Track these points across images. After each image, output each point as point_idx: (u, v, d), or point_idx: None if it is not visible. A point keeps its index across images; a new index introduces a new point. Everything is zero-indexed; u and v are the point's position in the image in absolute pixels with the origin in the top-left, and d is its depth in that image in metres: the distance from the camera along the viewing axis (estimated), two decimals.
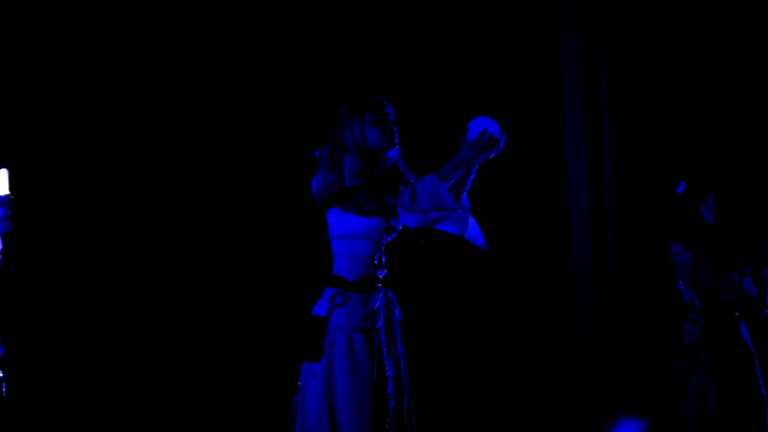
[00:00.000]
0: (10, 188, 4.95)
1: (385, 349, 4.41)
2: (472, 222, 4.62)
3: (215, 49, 7.25)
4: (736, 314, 5.77)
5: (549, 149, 7.99)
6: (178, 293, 6.83)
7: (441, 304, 7.24)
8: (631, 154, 7.94)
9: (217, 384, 6.89)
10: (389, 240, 4.54)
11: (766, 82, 7.71)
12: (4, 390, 4.68)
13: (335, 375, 4.32)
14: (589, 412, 7.69)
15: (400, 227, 4.55)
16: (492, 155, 4.37)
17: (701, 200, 5.88)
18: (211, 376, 6.91)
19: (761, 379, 5.86)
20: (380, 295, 4.36)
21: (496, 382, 7.40)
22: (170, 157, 7.10)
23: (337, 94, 5.78)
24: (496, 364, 7.48)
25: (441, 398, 7.12)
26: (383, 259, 4.46)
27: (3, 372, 4.67)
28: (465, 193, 4.52)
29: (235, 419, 6.75)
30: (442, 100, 7.72)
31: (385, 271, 4.47)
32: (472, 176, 4.50)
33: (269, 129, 7.22)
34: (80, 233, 6.72)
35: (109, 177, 6.96)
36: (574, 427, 7.57)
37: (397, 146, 4.50)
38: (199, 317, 6.89)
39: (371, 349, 4.37)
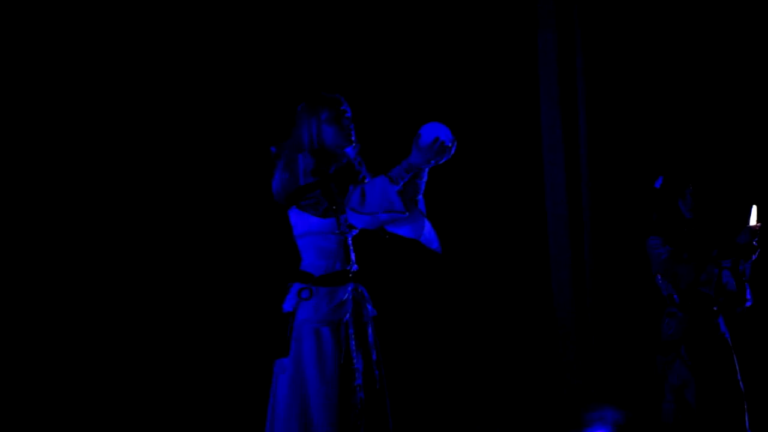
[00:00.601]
0: None
1: (353, 342, 4.41)
2: (427, 225, 4.65)
3: (188, 52, 7.24)
4: (714, 308, 5.75)
5: (526, 146, 8.00)
6: (154, 293, 6.80)
7: (417, 302, 7.29)
8: (608, 149, 7.94)
9: (194, 381, 6.87)
10: (354, 234, 4.56)
11: (742, 76, 7.72)
12: None
13: (304, 368, 4.33)
14: (566, 406, 7.60)
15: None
16: (442, 161, 4.39)
17: (679, 195, 5.85)
18: (187, 374, 6.88)
19: (739, 374, 5.80)
20: (349, 288, 4.37)
21: (473, 375, 7.40)
22: (147, 157, 7.04)
23: (301, 92, 5.82)
24: (474, 360, 7.46)
25: (418, 394, 7.17)
26: (352, 254, 4.46)
27: None
28: (421, 196, 4.58)
29: (212, 416, 6.75)
30: (417, 97, 7.68)
31: (357, 266, 4.45)
32: (425, 179, 4.53)
33: (239, 125, 7.22)
34: (66, 228, 6.65)
35: (84, 177, 6.89)
36: (552, 422, 7.49)
37: (355, 144, 4.51)
38: (174, 316, 6.86)
39: (338, 342, 4.37)
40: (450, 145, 4.36)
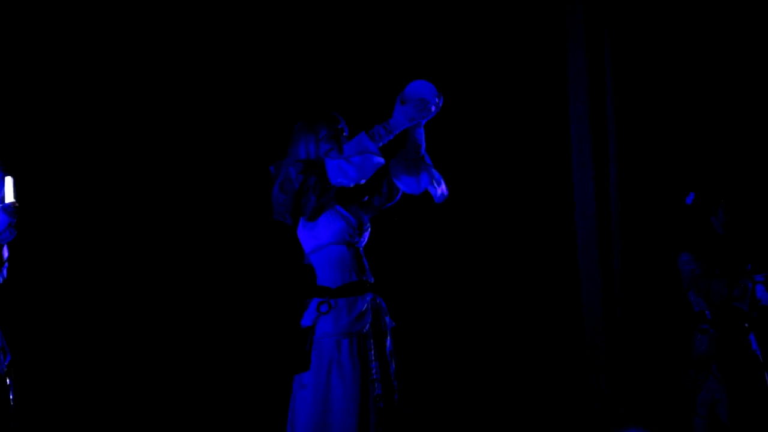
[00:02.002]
0: (15, 196, 5.01)
1: (372, 353, 4.40)
2: (435, 174, 4.65)
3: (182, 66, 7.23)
4: (746, 325, 5.74)
5: (555, 158, 8.00)
6: (173, 306, 6.81)
7: (439, 316, 7.28)
8: (638, 163, 7.94)
9: (211, 398, 6.89)
10: (364, 241, 4.56)
11: None
12: (11, 397, 4.68)
13: (326, 382, 4.34)
14: (596, 423, 7.59)
15: (369, 225, 4.59)
16: (425, 120, 4.44)
17: (711, 212, 5.89)
18: (206, 390, 6.89)
19: None
20: (368, 299, 4.36)
21: (501, 391, 7.41)
22: (164, 165, 7.06)
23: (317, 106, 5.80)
24: (502, 372, 7.46)
25: (442, 403, 7.18)
26: (366, 264, 4.45)
27: (10, 380, 4.67)
28: (424, 152, 4.57)
29: None
30: (445, 112, 7.64)
31: (372, 278, 4.45)
32: (422, 137, 4.53)
33: (254, 136, 7.17)
34: (81, 239, 6.66)
35: (105, 184, 6.91)
36: None
37: None
38: (196, 334, 6.82)
39: (360, 354, 4.36)
40: (434, 101, 4.41)
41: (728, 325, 5.83)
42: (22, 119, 6.80)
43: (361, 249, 4.47)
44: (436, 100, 4.46)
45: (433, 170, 4.69)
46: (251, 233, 6.83)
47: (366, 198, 4.79)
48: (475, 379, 7.29)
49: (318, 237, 4.38)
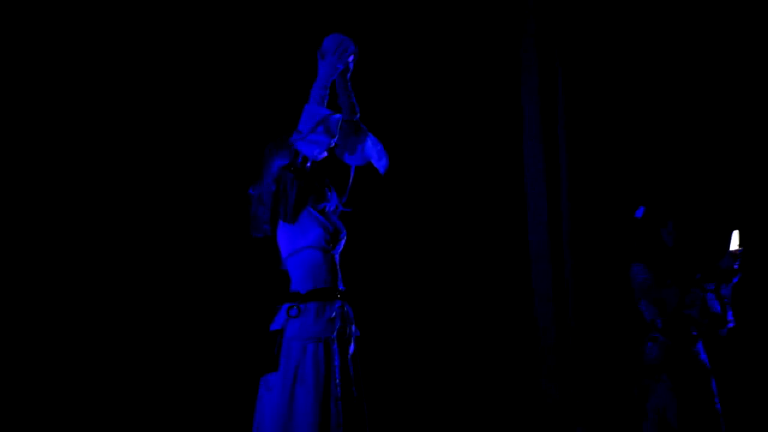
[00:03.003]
0: None
1: (337, 357, 4.47)
2: (372, 138, 4.92)
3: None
4: (694, 333, 5.88)
5: (510, 175, 8.06)
6: (144, 310, 6.82)
7: (403, 324, 7.34)
8: (588, 178, 8.00)
9: (180, 398, 6.86)
10: (340, 249, 4.65)
11: (720, 110, 7.91)
12: None
13: (292, 384, 4.40)
14: (546, 426, 7.66)
15: (345, 233, 4.68)
16: (350, 62, 4.79)
17: (661, 224, 6.02)
18: (175, 390, 6.87)
19: (717, 396, 5.97)
20: (336, 306, 4.44)
21: (456, 397, 7.48)
22: (135, 167, 6.99)
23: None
24: (456, 380, 7.54)
25: (402, 407, 7.23)
26: (339, 273, 4.53)
27: None
28: (358, 113, 4.87)
29: None
30: (402, 132, 7.68)
31: (343, 286, 4.53)
32: (353, 95, 4.88)
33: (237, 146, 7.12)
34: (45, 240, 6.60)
35: (70, 185, 6.88)
36: None
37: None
38: (167, 336, 6.86)
39: (325, 359, 4.43)
40: (351, 49, 4.79)
41: (678, 333, 5.92)
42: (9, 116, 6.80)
43: (336, 257, 4.55)
44: (353, 47, 4.79)
45: (372, 136, 4.93)
46: (225, 238, 6.84)
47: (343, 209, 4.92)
48: (431, 386, 7.36)
49: (295, 241, 4.45)
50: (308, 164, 4.66)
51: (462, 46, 8.05)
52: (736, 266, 5.95)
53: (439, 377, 7.30)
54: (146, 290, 6.82)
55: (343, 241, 4.58)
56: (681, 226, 6.09)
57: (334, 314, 4.43)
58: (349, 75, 4.97)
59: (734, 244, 5.95)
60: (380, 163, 5.01)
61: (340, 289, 4.51)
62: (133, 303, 6.78)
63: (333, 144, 4.70)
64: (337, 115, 4.65)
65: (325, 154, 4.66)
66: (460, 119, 7.98)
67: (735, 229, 6.00)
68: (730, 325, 6.06)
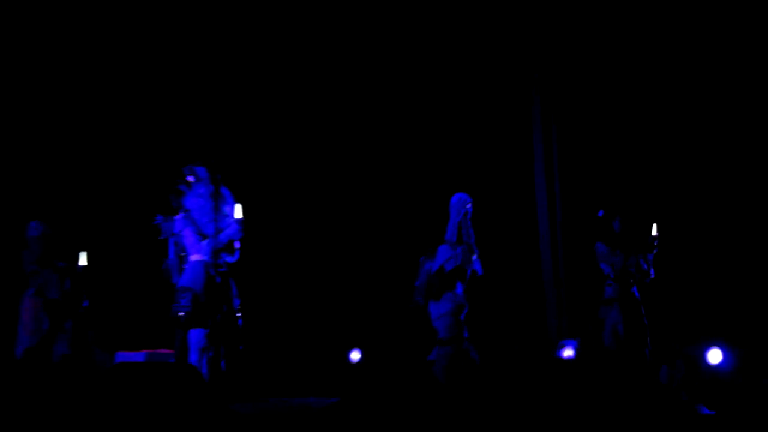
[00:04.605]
0: None
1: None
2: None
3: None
4: (631, 281, 7.83)
5: (524, 199, 10.13)
6: None
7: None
8: (572, 194, 10.13)
9: None
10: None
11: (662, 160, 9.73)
12: None
13: None
14: (546, 341, 9.59)
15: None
16: (469, 212, 6.82)
17: (613, 220, 8.08)
18: None
19: (645, 318, 7.87)
20: None
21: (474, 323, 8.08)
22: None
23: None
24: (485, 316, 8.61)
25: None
26: None
27: None
28: (473, 237, 7.07)
29: None
30: (450, 166, 9.71)
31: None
32: (469, 221, 7.00)
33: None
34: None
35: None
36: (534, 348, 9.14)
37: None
38: None
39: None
40: (467, 201, 6.91)
41: (623, 281, 7.90)
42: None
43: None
44: (469, 200, 6.80)
45: (477, 253, 6.93)
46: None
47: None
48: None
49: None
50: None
51: (494, 109, 9.87)
52: (655, 243, 7.89)
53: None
54: None
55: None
56: (624, 220, 8.09)
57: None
58: (469, 216, 6.84)
59: (654, 231, 7.88)
60: (478, 267, 7.04)
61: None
62: None
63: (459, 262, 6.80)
64: (462, 246, 6.68)
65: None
66: (494, 159, 9.96)
67: (654, 222, 7.94)
68: (652, 276, 8.04)
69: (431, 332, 7.32)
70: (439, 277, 7.23)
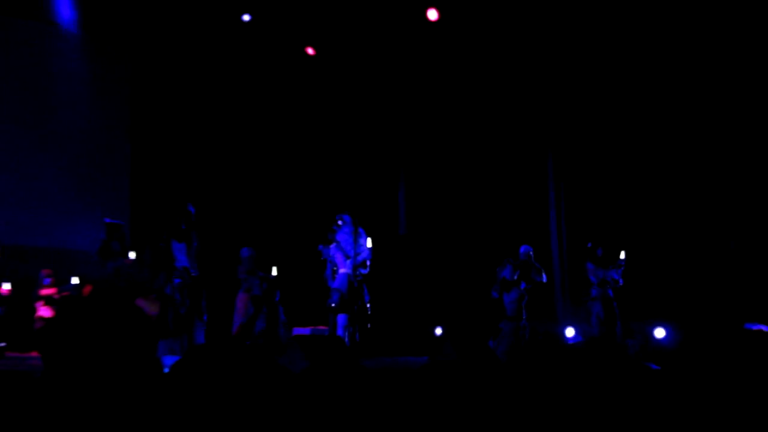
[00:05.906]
0: None
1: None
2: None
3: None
4: (608, 287, 11.46)
5: (540, 227, 13.37)
6: None
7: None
8: (574, 229, 13.20)
9: None
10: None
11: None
12: None
13: None
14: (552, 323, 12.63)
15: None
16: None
17: (597, 248, 11.61)
18: None
19: (617, 309, 11.26)
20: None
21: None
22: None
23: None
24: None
25: None
26: None
27: None
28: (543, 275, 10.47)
29: None
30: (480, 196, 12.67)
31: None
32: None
33: None
34: None
35: None
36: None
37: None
38: None
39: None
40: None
41: (603, 286, 11.39)
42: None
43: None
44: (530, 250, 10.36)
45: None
46: None
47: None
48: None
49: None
50: None
51: (518, 168, 12.98)
52: (622, 263, 11.43)
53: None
54: None
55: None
56: (604, 250, 11.66)
57: None
58: (532, 255, 10.05)
59: (623, 256, 11.47)
60: (542, 278, 10.34)
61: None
62: None
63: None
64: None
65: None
66: (519, 205, 13.05)
67: (622, 250, 11.53)
68: (620, 284, 11.52)
69: (502, 312, 11.07)
70: (508, 281, 11.29)
